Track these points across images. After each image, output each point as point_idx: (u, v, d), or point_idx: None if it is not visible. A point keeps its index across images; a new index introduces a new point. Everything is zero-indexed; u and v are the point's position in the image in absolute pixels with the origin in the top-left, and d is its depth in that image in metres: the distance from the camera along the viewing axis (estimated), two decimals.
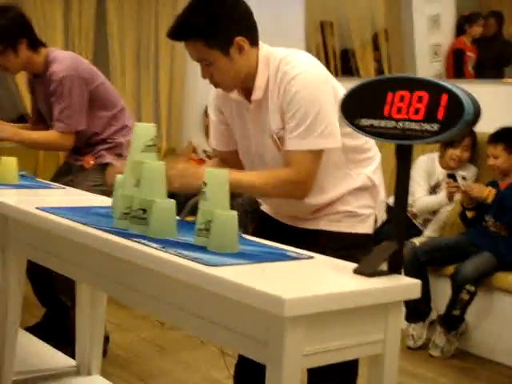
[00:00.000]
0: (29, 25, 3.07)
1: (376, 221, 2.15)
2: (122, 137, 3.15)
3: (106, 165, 3.11)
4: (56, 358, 2.86)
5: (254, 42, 2.02)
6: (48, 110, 3.14)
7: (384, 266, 1.63)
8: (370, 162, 2.13)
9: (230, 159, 2.23)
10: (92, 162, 3.13)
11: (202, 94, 5.72)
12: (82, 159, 3.15)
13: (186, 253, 1.66)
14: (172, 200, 1.84)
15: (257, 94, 2.03)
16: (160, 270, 1.66)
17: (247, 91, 2.07)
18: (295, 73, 1.96)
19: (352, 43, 5.06)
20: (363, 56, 5.00)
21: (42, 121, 3.29)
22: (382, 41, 4.90)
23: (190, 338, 3.56)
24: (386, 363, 1.60)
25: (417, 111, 1.61)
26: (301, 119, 1.94)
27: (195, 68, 6.83)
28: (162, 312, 1.79)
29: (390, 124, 1.64)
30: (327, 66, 5.11)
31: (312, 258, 1.75)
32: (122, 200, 1.92)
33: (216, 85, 2.06)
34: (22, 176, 2.79)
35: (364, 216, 2.12)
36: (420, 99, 1.60)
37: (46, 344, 2.97)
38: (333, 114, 1.95)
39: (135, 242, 1.76)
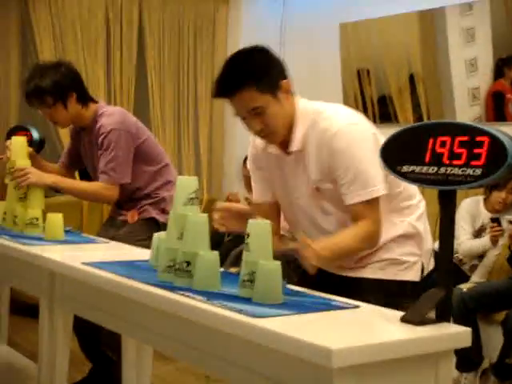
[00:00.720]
0: (79, 80, 3.16)
1: (423, 269, 2.12)
2: (165, 192, 3.18)
3: (150, 219, 3.15)
4: None
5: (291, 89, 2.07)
6: (92, 162, 3.21)
7: (432, 314, 1.60)
8: (414, 209, 2.12)
9: (269, 213, 2.21)
10: (136, 217, 3.16)
11: (241, 145, 5.79)
12: (126, 214, 3.19)
13: (230, 304, 1.66)
14: (215, 252, 1.85)
15: (295, 145, 2.05)
16: (205, 322, 1.66)
17: (284, 143, 2.08)
18: (335, 129, 1.99)
19: (389, 89, 5.08)
20: (401, 102, 5.00)
21: (72, 166, 3.37)
22: (419, 86, 4.90)
23: None
24: None
25: (459, 156, 1.60)
26: (354, 175, 1.98)
27: (233, 120, 6.89)
28: (208, 364, 1.78)
29: (432, 170, 1.63)
30: (365, 113, 5.13)
31: (358, 306, 1.72)
32: (165, 253, 1.94)
33: (267, 135, 2.06)
34: (68, 231, 2.84)
35: (409, 263, 2.09)
36: (462, 144, 1.60)
37: None
38: (376, 162, 1.95)
39: (180, 294, 1.77)
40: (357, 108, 5.16)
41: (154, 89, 5.73)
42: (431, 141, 1.65)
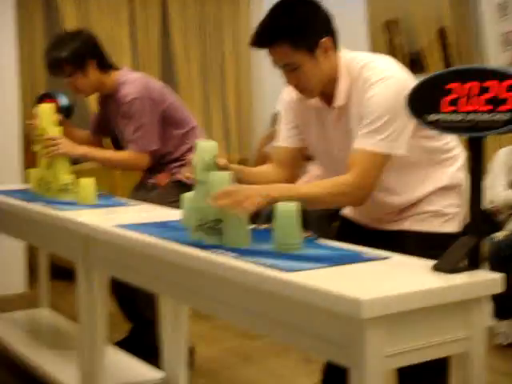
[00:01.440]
0: (98, 47, 3.16)
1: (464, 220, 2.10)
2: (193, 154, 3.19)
3: (180, 181, 3.17)
4: (145, 371, 2.92)
5: (335, 45, 2.01)
6: (119, 130, 3.22)
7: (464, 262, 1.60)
8: (455, 160, 2.09)
9: (289, 161, 2.20)
10: (166, 180, 3.19)
11: (269, 103, 5.74)
12: (156, 177, 3.22)
13: (261, 260, 1.67)
14: None
15: (339, 100, 2.01)
16: (237, 278, 1.68)
17: (327, 97, 2.04)
18: (376, 79, 1.94)
19: (419, 40, 4.99)
20: (431, 52, 4.92)
21: (99, 133, 3.39)
22: (449, 35, 4.81)
23: (274, 346, 3.56)
24: (473, 361, 1.56)
25: (487, 101, 1.57)
26: (371, 121, 1.92)
27: (260, 79, 6.81)
28: (244, 320, 1.80)
29: (459, 117, 1.61)
30: None
31: (388, 257, 1.72)
32: (195, 212, 1.95)
33: (302, 91, 2.03)
34: (99, 195, 2.87)
35: (451, 215, 2.08)
36: (489, 89, 1.57)
37: (134, 358, 3.03)
38: (403, 123, 1.91)
39: (211, 252, 1.79)
40: None
41: (179, 50, 5.71)
42: (458, 87, 1.62)
